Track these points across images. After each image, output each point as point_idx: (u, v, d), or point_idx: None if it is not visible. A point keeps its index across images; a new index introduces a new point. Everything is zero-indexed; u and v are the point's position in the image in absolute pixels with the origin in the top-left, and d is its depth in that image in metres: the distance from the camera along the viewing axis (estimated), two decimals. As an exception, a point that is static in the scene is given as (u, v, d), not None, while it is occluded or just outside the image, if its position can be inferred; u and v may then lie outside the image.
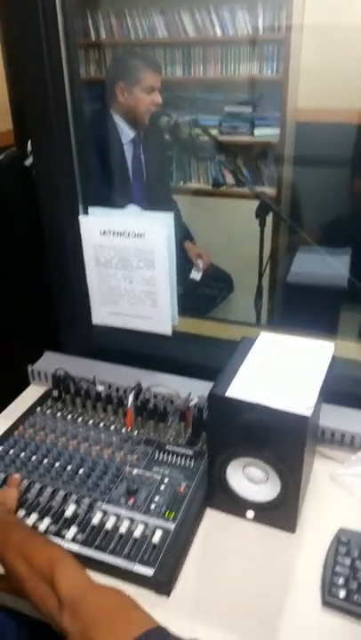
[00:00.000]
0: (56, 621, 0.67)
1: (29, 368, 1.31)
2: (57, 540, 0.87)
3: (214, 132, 2.58)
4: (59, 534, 0.89)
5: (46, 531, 0.89)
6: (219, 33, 2.65)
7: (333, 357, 0.92)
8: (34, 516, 0.92)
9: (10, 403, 1.27)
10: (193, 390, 1.14)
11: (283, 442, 0.81)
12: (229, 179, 2.84)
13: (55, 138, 1.13)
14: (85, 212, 1.19)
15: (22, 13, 1.04)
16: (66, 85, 1.08)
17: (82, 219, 1.16)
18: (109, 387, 1.19)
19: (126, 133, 2.16)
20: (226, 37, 2.63)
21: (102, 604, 0.66)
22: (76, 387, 1.19)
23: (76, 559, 0.75)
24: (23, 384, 1.32)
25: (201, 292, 2.40)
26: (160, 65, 2.30)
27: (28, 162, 1.31)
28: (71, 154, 1.14)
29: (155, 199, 2.27)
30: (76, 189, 1.18)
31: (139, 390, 1.16)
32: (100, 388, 1.19)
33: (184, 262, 2.35)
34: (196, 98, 2.79)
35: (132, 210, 1.28)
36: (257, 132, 2.75)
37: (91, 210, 1.17)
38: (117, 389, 1.19)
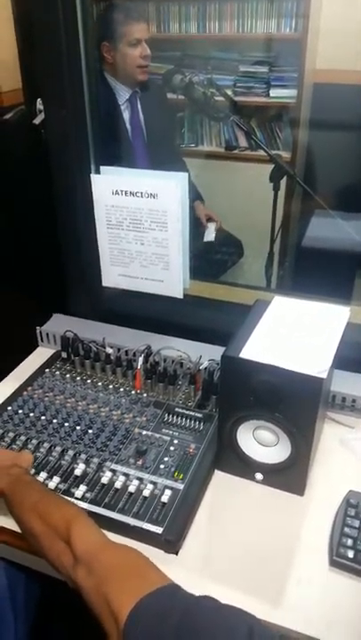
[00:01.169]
0: (71, 577, 0.68)
1: (38, 330, 1.31)
2: (66, 498, 0.88)
3: (228, 92, 2.50)
4: (68, 492, 0.89)
5: (56, 489, 0.90)
6: (235, -13, 2.55)
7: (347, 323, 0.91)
8: (43, 474, 0.92)
9: (18, 364, 1.26)
10: (203, 354, 1.13)
11: (296, 404, 0.80)
12: (243, 141, 2.77)
13: (68, 93, 1.09)
14: (97, 172, 1.16)
15: None
16: (80, 40, 1.04)
17: (93, 177, 1.13)
18: (118, 350, 1.19)
19: (121, 94, 2.09)
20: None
21: (116, 561, 0.67)
22: (85, 349, 1.19)
23: (90, 518, 0.75)
24: (31, 346, 1.32)
25: (211, 256, 2.37)
26: (142, 13, 2.17)
27: (38, 120, 1.28)
28: (84, 109, 1.11)
29: (159, 160, 2.21)
30: (88, 147, 1.16)
31: (148, 353, 1.15)
32: (109, 350, 1.18)
33: (194, 223, 2.31)
34: (210, 56, 2.70)
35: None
36: (273, 92, 2.67)
37: (103, 169, 1.14)
38: (127, 352, 1.18)
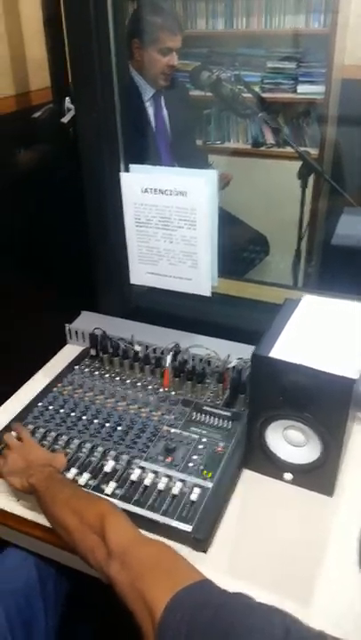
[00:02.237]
0: (104, 571, 0.69)
1: (67, 327, 1.32)
2: (96, 494, 0.89)
3: (256, 88, 2.49)
4: (98, 489, 0.90)
5: (86, 485, 0.91)
6: (264, -17, 2.53)
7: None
8: (73, 471, 0.93)
9: (48, 361, 1.28)
10: (231, 352, 1.13)
11: (326, 405, 0.80)
12: (269, 138, 2.75)
13: (99, 91, 1.10)
14: (127, 170, 1.16)
15: None
16: (111, 37, 1.05)
17: (123, 175, 1.14)
18: (146, 347, 1.19)
19: (146, 90, 2.08)
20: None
21: (151, 556, 0.67)
22: (113, 346, 1.20)
23: (124, 513, 0.76)
24: (60, 343, 1.33)
25: (237, 254, 2.36)
26: (180, 24, 2.15)
27: (66, 118, 1.30)
28: (114, 108, 1.12)
29: (183, 156, 2.21)
30: (117, 146, 1.16)
31: (177, 351, 1.16)
32: (137, 347, 1.19)
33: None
34: (237, 53, 2.68)
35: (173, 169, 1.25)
36: (300, 88, 2.64)
37: (132, 167, 1.14)
38: (155, 350, 1.19)
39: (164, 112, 2.18)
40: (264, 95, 2.60)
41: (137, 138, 2.02)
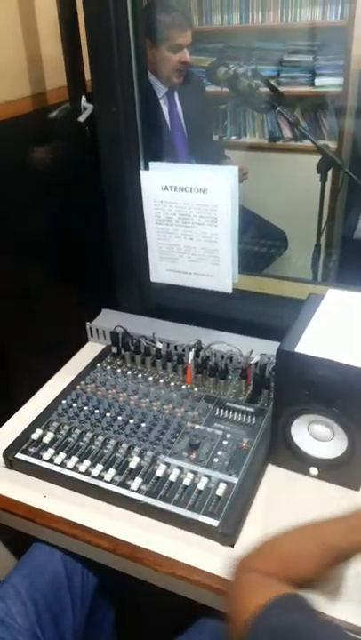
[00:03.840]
0: None
1: (88, 325, 1.33)
2: (122, 490, 0.90)
3: (272, 82, 2.47)
4: (124, 484, 0.91)
5: (112, 481, 0.92)
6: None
7: None
8: (99, 467, 0.94)
9: (70, 358, 1.29)
10: (254, 348, 1.12)
11: (353, 399, 0.79)
12: (287, 132, 2.73)
13: (118, 89, 1.10)
14: (146, 167, 1.17)
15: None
16: (130, 30, 1.05)
17: (143, 173, 1.14)
18: (168, 344, 1.20)
19: (159, 89, 2.09)
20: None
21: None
22: (134, 344, 1.20)
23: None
24: (81, 341, 1.34)
25: (256, 250, 2.36)
26: (189, 19, 2.14)
27: (82, 117, 1.30)
28: (134, 106, 1.12)
29: (200, 151, 2.20)
30: (137, 143, 1.17)
31: (199, 348, 1.16)
32: (159, 345, 1.20)
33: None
34: (253, 47, 2.67)
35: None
36: (318, 81, 2.62)
37: (152, 164, 1.15)
38: (176, 347, 1.19)
39: (179, 108, 2.18)
40: (281, 89, 2.59)
41: (153, 135, 2.02)
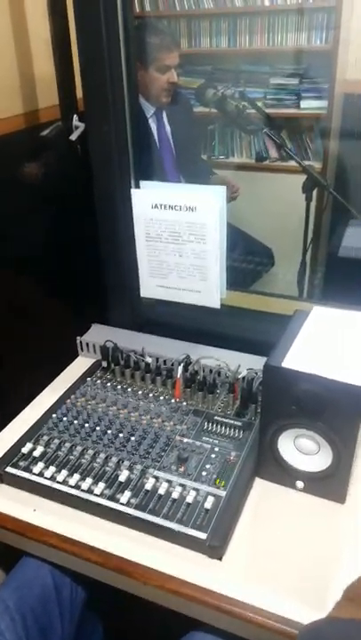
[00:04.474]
0: None
1: (78, 339, 1.34)
2: (111, 503, 0.90)
3: (259, 104, 2.54)
4: (113, 498, 0.92)
5: (101, 494, 0.92)
6: (266, 2, 2.58)
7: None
8: (89, 480, 0.95)
9: (59, 373, 1.30)
10: (241, 363, 1.15)
11: (338, 414, 0.81)
12: (273, 152, 2.79)
13: (110, 108, 1.13)
14: (137, 186, 1.19)
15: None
16: (121, 49, 1.08)
17: (134, 192, 1.17)
18: (157, 359, 1.21)
19: (148, 109, 2.14)
20: (274, 6, 2.56)
21: None
22: (124, 358, 1.22)
23: None
24: (71, 355, 1.36)
25: (243, 266, 2.39)
26: (176, 40, 2.22)
27: (74, 136, 1.33)
28: (125, 125, 1.15)
29: (188, 169, 2.25)
30: (128, 162, 1.19)
31: (188, 362, 1.18)
32: (148, 359, 1.21)
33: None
34: (240, 70, 2.74)
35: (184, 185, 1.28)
36: (303, 104, 2.69)
37: (142, 183, 1.17)
38: (165, 361, 1.21)
39: (167, 128, 2.23)
40: (268, 111, 2.65)
41: (142, 153, 2.06)
